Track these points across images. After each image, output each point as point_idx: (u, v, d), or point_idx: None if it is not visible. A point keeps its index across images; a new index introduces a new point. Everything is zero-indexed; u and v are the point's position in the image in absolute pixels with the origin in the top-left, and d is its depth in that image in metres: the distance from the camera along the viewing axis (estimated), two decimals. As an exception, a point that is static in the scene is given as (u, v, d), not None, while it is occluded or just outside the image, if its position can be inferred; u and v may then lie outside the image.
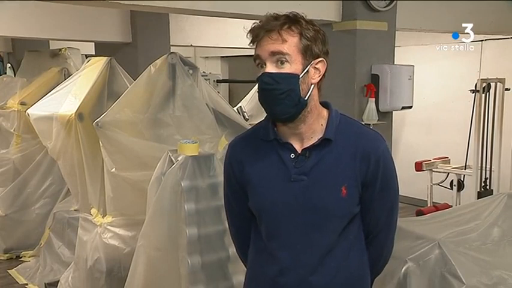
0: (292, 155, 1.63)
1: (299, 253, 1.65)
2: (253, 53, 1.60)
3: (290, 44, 1.54)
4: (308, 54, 1.56)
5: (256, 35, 1.56)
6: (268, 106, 1.60)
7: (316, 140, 1.63)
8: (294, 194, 1.62)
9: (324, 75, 1.62)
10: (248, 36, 1.58)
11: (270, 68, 1.55)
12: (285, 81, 1.55)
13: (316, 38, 1.57)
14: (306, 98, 1.58)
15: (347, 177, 1.62)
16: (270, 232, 1.69)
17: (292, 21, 1.55)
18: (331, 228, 1.64)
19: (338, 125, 1.65)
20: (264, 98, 1.59)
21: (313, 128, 1.63)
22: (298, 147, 1.64)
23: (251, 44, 1.58)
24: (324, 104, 1.68)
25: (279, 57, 1.54)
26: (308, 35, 1.55)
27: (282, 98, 1.55)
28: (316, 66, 1.59)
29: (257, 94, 1.63)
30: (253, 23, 1.58)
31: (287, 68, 1.55)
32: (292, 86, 1.55)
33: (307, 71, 1.57)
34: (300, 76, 1.56)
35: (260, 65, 1.58)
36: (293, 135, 1.64)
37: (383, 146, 1.67)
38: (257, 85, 1.60)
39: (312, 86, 1.59)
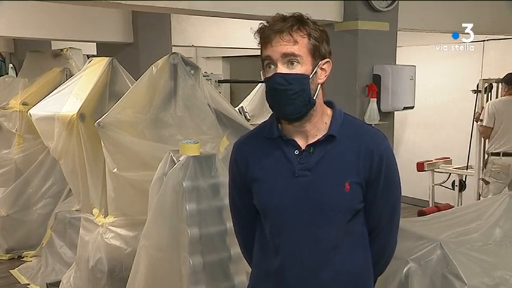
0: (296, 152, 1.65)
1: (304, 248, 1.66)
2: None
3: (301, 45, 1.56)
4: (316, 55, 1.59)
5: (267, 36, 1.57)
6: (278, 106, 1.62)
7: (321, 136, 1.64)
8: (298, 190, 1.64)
9: (328, 75, 1.64)
10: (256, 36, 1.60)
11: (282, 69, 1.57)
12: (297, 82, 1.57)
13: (322, 39, 1.60)
14: (314, 98, 1.61)
15: (350, 174, 1.64)
16: (275, 228, 1.70)
17: (301, 22, 1.57)
18: (335, 224, 1.65)
19: (342, 123, 1.67)
20: (275, 98, 1.61)
21: (317, 126, 1.66)
22: (302, 144, 1.66)
23: (259, 45, 1.59)
24: (328, 103, 1.71)
25: (291, 59, 1.56)
26: (315, 36, 1.58)
27: (294, 98, 1.57)
28: (322, 66, 1.62)
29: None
30: (260, 24, 1.59)
31: (298, 69, 1.57)
32: (303, 87, 1.58)
33: (316, 71, 1.60)
34: (310, 77, 1.58)
35: (268, 66, 1.59)
36: (298, 133, 1.66)
37: (385, 144, 1.70)
38: (266, 85, 1.61)
39: (319, 86, 1.62)
